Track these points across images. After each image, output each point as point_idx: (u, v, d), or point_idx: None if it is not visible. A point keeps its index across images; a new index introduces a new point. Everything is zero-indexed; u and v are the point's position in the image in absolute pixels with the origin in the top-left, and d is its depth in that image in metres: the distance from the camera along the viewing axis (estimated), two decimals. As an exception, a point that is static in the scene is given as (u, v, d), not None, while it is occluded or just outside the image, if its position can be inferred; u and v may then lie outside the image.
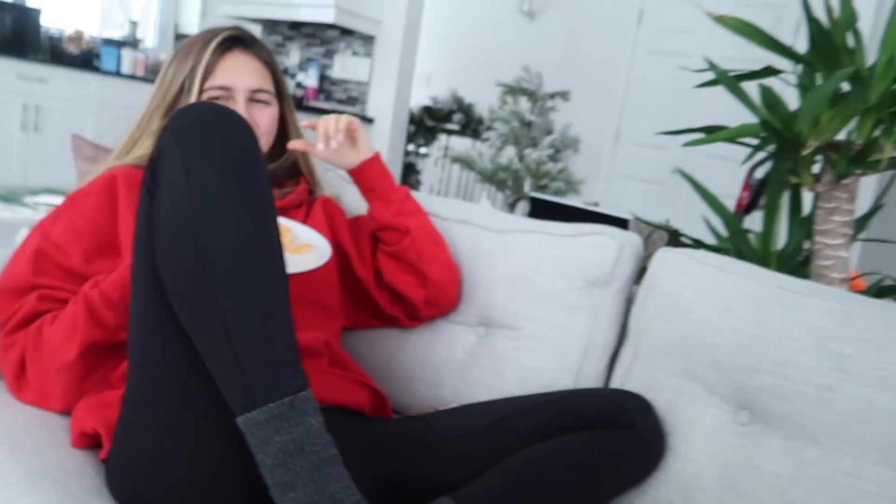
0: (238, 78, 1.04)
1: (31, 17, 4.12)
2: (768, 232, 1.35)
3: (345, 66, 4.52)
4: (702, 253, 1.09)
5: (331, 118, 1.07)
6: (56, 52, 4.16)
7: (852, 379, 0.85)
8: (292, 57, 4.78)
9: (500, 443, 0.90)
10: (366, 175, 1.12)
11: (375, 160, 1.13)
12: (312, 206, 1.17)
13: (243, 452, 0.68)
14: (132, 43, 4.56)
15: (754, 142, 1.29)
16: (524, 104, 3.62)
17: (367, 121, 4.10)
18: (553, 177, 3.27)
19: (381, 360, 1.20)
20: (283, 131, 1.15)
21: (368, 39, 4.36)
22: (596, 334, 1.09)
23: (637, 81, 4.62)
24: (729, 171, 3.31)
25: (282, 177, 1.18)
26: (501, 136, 3.44)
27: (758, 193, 2.73)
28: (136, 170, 1.03)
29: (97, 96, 4.02)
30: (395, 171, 4.00)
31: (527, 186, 3.31)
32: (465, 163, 3.64)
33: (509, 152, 3.59)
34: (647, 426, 0.93)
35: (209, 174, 0.69)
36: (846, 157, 1.18)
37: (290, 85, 4.40)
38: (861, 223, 1.39)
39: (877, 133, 1.17)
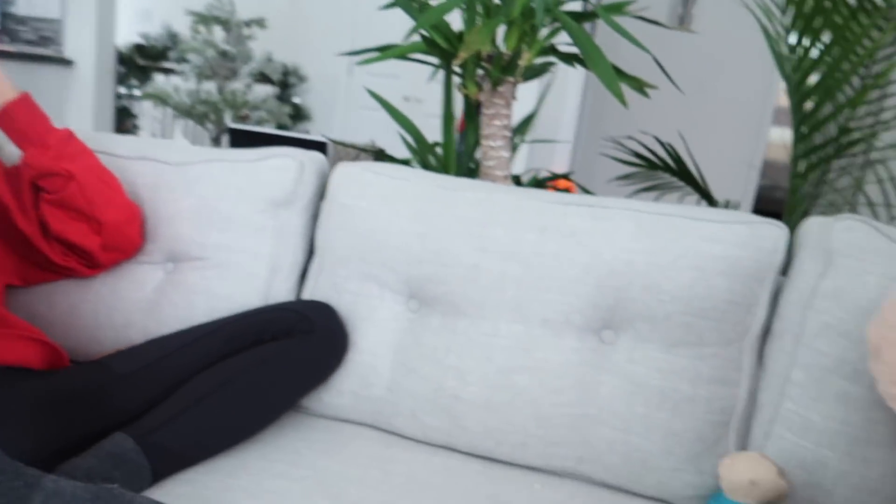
0: None
1: None
2: (448, 141, 1.48)
3: (31, 0, 3.91)
4: (377, 164, 1.16)
5: None
6: None
7: (491, 256, 0.99)
8: (-40, -8, 4.02)
9: (179, 371, 0.91)
10: (11, 118, 1.00)
11: (23, 100, 1.02)
12: (-42, 158, 1.04)
13: None
14: None
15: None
16: (219, 34, 3.46)
17: (66, 63, 3.64)
18: (254, 106, 3.21)
19: (62, 314, 1.12)
20: None
21: (54, -31, 3.81)
22: (283, 253, 1.12)
23: (366, 12, 4.65)
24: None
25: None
26: (196, 68, 3.26)
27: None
28: None
29: None
30: (107, 117, 3.62)
31: (228, 119, 3.21)
32: (158, 98, 3.41)
33: (211, 86, 3.44)
34: (327, 329, 1.00)
35: None
36: (498, 67, 1.32)
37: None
38: (522, 127, 1.58)
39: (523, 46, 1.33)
